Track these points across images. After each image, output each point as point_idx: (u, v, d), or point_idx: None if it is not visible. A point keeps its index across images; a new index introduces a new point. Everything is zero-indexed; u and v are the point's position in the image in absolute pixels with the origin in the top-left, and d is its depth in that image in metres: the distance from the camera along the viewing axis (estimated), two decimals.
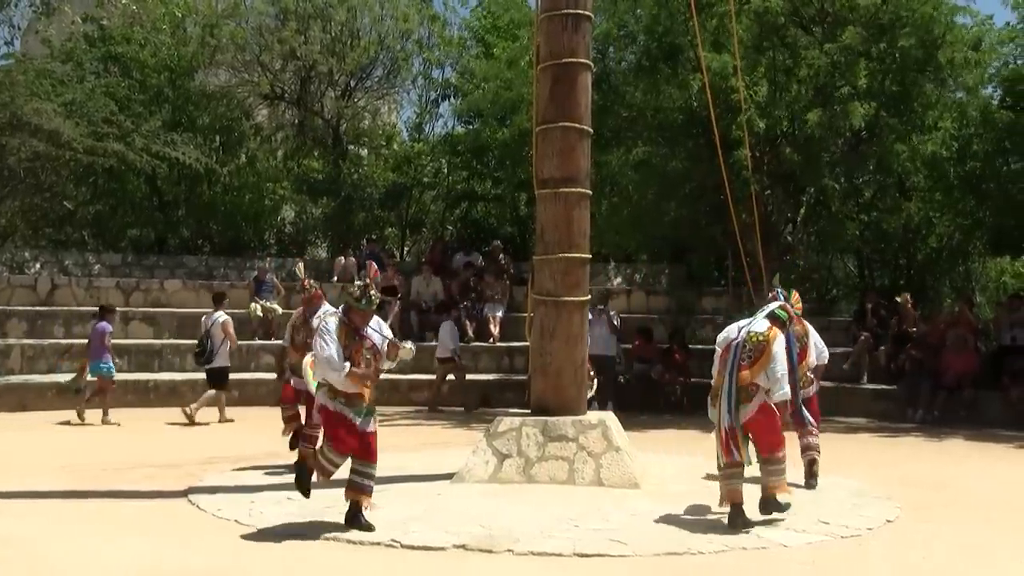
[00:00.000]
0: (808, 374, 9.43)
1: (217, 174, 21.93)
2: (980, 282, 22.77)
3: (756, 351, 7.66)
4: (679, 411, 16.40)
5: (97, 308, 15.57)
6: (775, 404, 7.67)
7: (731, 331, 8.15)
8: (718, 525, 7.53)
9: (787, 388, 7.67)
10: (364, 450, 7.35)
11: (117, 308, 18.10)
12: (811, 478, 9.38)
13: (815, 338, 9.66)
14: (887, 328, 17.06)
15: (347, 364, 7.15)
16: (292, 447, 9.65)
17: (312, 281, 10.27)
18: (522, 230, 23.68)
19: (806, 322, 9.52)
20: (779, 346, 7.67)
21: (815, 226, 17.96)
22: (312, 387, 8.40)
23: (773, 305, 7.96)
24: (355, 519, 7.28)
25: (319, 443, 7.65)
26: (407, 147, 26.17)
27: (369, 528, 7.17)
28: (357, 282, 7.35)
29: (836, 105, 15.35)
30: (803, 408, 9.16)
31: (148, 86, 21.79)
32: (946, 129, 16.89)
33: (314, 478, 7.47)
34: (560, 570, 6.38)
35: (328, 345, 7.15)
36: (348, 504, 7.36)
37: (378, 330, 7.45)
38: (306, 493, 7.56)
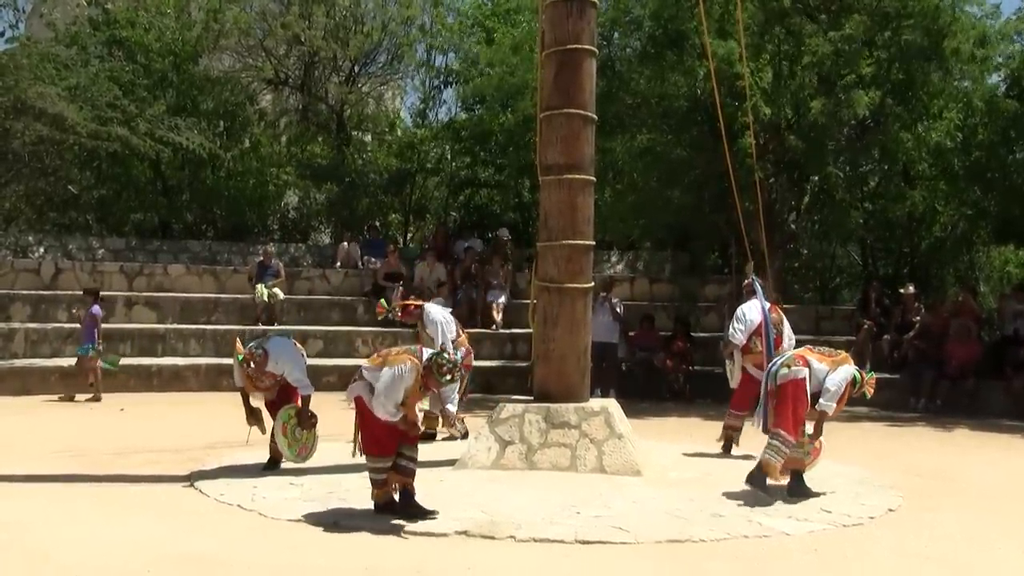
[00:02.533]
0: None
1: (221, 159, 21.94)
2: (984, 271, 22.76)
3: (832, 352, 8.45)
4: (681, 399, 16.41)
5: (89, 291, 15.87)
6: (816, 409, 8.18)
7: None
8: (720, 513, 7.54)
9: (833, 404, 8.15)
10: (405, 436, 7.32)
11: (119, 292, 18.26)
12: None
13: (788, 328, 10.49)
14: (890, 317, 17.05)
15: (401, 412, 7.09)
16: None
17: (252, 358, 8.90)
18: (525, 216, 23.65)
19: (781, 311, 10.51)
20: (847, 372, 8.22)
21: (819, 214, 17.93)
22: (286, 452, 8.90)
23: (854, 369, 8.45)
24: (389, 510, 7.25)
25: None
26: (410, 133, 26.13)
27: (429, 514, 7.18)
28: (449, 355, 7.37)
29: (840, 93, 15.31)
30: None
31: (152, 71, 21.76)
32: (951, 118, 16.83)
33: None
34: (562, 556, 6.39)
35: (392, 395, 7.04)
36: (400, 492, 7.31)
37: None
38: (425, 515, 7.21)
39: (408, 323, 11.63)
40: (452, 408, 7.68)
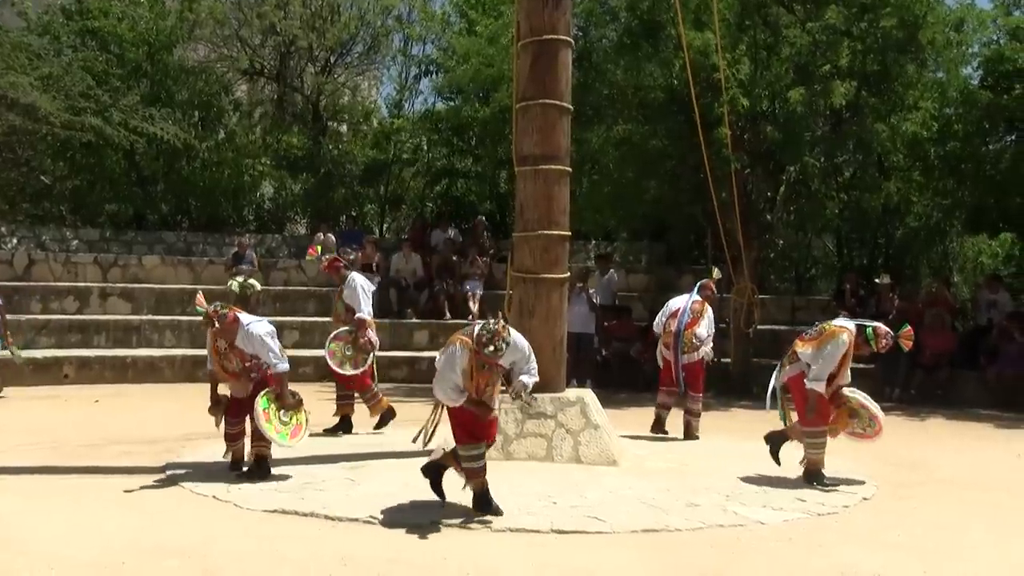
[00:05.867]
0: (694, 341, 11.09)
1: (196, 150, 21.80)
2: (957, 262, 22.91)
3: (818, 332, 8.53)
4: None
5: None
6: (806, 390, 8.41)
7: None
8: (696, 502, 7.57)
9: (820, 383, 8.33)
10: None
11: (94, 284, 18.18)
12: (689, 437, 11.09)
13: (708, 317, 11.35)
14: (866, 307, 17.14)
15: (464, 395, 6.99)
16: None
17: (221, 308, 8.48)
18: (502, 207, 23.63)
19: (707, 305, 11.39)
20: (837, 346, 8.32)
21: (794, 205, 17.98)
22: (276, 439, 8.29)
23: (870, 323, 8.71)
24: (485, 503, 7.12)
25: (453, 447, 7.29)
26: (387, 123, 26.04)
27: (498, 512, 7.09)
28: (491, 322, 6.92)
29: (817, 84, 15.35)
30: (681, 372, 11.04)
31: (126, 60, 21.59)
32: (927, 109, 16.90)
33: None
34: (538, 546, 6.40)
35: (446, 378, 7.00)
36: (471, 490, 7.18)
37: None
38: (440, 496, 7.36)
39: (334, 282, 11.80)
40: (527, 379, 7.21)
